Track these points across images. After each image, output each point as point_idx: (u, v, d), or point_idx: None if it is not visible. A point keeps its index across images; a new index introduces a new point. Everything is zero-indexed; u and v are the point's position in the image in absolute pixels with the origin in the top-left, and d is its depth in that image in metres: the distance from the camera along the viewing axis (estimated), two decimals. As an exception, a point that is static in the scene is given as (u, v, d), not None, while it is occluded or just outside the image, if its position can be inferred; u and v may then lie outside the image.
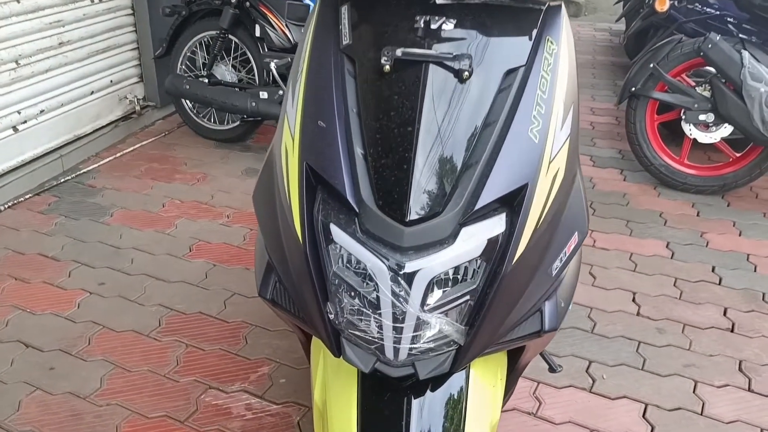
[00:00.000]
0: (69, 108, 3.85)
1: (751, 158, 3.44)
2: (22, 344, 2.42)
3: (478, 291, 1.12)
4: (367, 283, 1.10)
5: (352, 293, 1.12)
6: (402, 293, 1.07)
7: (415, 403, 1.19)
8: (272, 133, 4.01)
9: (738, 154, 3.50)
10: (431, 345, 1.13)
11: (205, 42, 4.07)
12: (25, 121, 3.57)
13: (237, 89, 3.89)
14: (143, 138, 4.27)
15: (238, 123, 4.07)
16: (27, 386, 2.22)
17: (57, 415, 2.11)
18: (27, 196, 3.51)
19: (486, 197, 1.10)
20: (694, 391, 2.24)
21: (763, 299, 2.73)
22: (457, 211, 1.09)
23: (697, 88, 3.43)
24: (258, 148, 4.15)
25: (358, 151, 1.13)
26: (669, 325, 2.57)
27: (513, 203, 1.12)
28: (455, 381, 1.21)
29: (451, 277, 1.11)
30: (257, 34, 3.80)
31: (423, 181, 1.09)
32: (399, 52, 1.14)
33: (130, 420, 2.09)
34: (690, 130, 3.49)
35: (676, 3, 3.55)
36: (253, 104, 3.72)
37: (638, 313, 2.64)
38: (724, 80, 3.28)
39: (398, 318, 1.09)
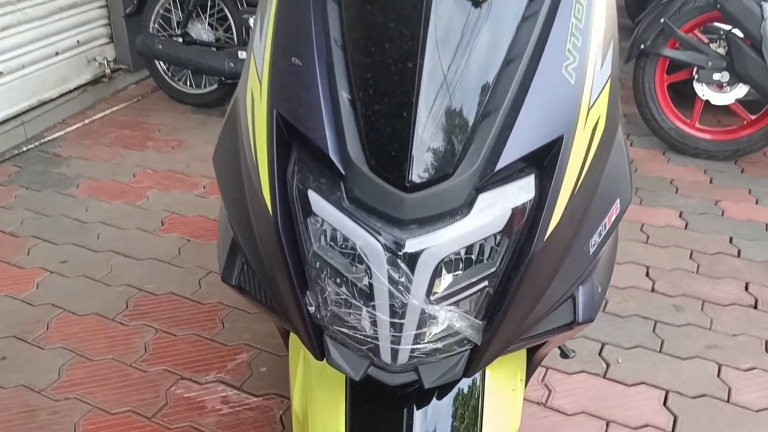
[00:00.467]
0: (31, 70, 3.56)
1: (768, 121, 3.21)
2: (-28, 331, 2.18)
3: (499, 276, 0.88)
4: (357, 267, 0.86)
5: (338, 279, 0.87)
6: (402, 279, 0.83)
7: (418, 415, 0.95)
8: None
9: (753, 117, 3.27)
10: (439, 345, 0.89)
11: (178, -2, 3.78)
12: (-19, 85, 3.29)
13: (214, 49, 3.65)
14: (114, 103, 4.01)
15: (215, 86, 3.81)
16: (-25, 379, 1.98)
17: (7, 411, 1.87)
18: (-15, 167, 3.25)
19: (509, 154, 0.85)
20: (718, 376, 2.03)
21: (786, 272, 2.52)
22: (472, 172, 0.84)
23: (711, 45, 3.18)
24: (238, 114, 3.88)
25: (344, 95, 0.87)
26: (687, 302, 2.35)
27: (543, 162, 0.88)
28: (467, 387, 0.98)
29: (463, 258, 0.87)
30: (235, -12, 3.52)
31: (428, 133, 0.83)
32: None
33: (91, 416, 1.86)
34: (702, 91, 3.25)
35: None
36: (232, 65, 3.46)
37: (653, 290, 2.42)
38: (741, 35, 3.03)
39: (397, 311, 0.85)
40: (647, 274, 2.50)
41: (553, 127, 0.87)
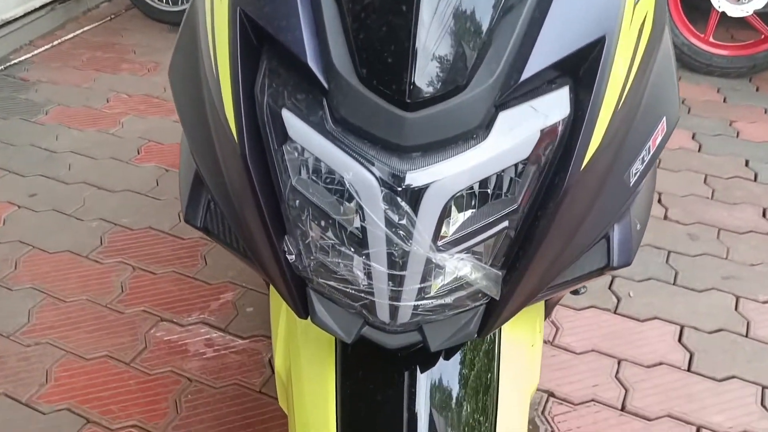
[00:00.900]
0: (-9, -13, 3.28)
1: (787, 34, 2.99)
2: (-66, 271, 2.02)
3: (522, 214, 0.71)
4: (346, 206, 0.68)
5: (323, 222, 0.70)
6: (403, 222, 0.66)
7: (422, 380, 0.80)
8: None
9: (771, 30, 3.04)
10: (448, 300, 0.72)
11: None
12: (-64, 3, 3.02)
13: (190, -39, 3.32)
14: (86, 23, 3.75)
15: (193, 3, 3.52)
16: (-63, 323, 1.84)
17: (-27, 358, 1.73)
18: (-54, 93, 3.02)
19: (538, 60, 0.66)
20: (735, 309, 1.91)
21: (806, 197, 2.36)
22: (490, 84, 0.66)
23: (730, -50, 2.93)
24: (219, 34, 3.62)
25: (326, -14, 0.67)
26: (702, 230, 2.21)
27: (579, 71, 0.69)
28: (480, 345, 0.82)
29: (477, 193, 0.69)
30: None
31: (434, 34, 0.64)
32: None
33: (64, 362, 1.72)
34: (718, 2, 3.02)
35: None
36: (209, -21, 3.17)
37: (666, 217, 2.26)
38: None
39: (397, 261, 0.68)
40: (659, 201, 2.34)
41: (593, 25, 0.68)
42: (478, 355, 0.83)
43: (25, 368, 1.71)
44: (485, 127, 0.66)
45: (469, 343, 0.84)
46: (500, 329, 0.86)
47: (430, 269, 0.70)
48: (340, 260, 0.71)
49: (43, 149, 2.63)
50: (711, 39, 3.12)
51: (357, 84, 0.65)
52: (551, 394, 1.66)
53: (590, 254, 0.82)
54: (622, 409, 1.62)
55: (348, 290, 0.72)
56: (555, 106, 0.68)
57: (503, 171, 0.68)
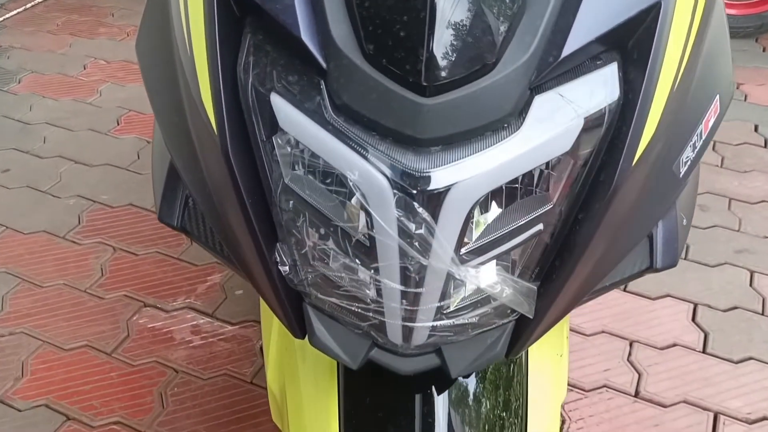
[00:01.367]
0: (-44, -54, 3.09)
1: (798, -9, 2.86)
2: None
3: (561, 215, 0.59)
4: (351, 210, 0.57)
5: (322, 229, 0.58)
6: (421, 231, 0.55)
7: (440, 403, 0.69)
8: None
9: (781, -13, 2.91)
10: (472, 319, 0.61)
11: None
12: None
13: None
14: (59, -16, 3.54)
15: (173, -38, 3.33)
16: None
17: (-57, 350, 1.62)
18: None
19: (582, 32, 0.55)
20: (750, 285, 1.82)
21: (820, 164, 2.27)
22: (525, 62, 0.54)
23: None
24: (201, -6, 3.44)
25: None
26: (712, 200, 2.10)
27: (627, 44, 0.57)
28: (506, 361, 0.72)
29: (504, 190, 0.57)
30: None
31: (455, 2, 0.52)
32: None
33: (41, 354, 1.61)
34: (726, -43, 2.87)
35: None
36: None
37: (674, 187, 2.15)
38: None
39: (412, 276, 0.57)
40: (667, 170, 2.23)
41: None
42: (503, 370, 0.73)
43: (-1, 360, 1.60)
44: (519, 113, 0.55)
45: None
46: (526, 341, 0.75)
47: (451, 285, 0.58)
48: (343, 274, 0.60)
49: (16, 121, 2.49)
50: (717, -3, 2.99)
51: (362, 63, 0.53)
52: (560, 381, 1.57)
53: (630, 255, 0.71)
54: (636, 395, 1.54)
55: (353, 308, 0.61)
56: (601, 87, 0.56)
57: (545, 165, 0.56)
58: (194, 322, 1.69)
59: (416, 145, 0.53)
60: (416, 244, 0.55)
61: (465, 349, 0.64)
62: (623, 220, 0.62)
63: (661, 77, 0.57)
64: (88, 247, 1.92)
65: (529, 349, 0.75)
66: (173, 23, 0.65)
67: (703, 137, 0.68)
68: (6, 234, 1.97)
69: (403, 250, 0.55)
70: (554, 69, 0.55)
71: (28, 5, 3.33)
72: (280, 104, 0.55)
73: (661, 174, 0.64)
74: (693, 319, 1.72)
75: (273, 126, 0.57)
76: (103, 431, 1.45)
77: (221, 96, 0.57)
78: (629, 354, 1.63)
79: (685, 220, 0.75)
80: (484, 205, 0.58)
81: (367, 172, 0.53)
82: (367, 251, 0.57)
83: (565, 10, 0.54)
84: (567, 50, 0.54)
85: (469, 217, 0.55)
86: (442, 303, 0.59)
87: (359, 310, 0.61)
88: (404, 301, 0.58)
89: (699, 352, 1.64)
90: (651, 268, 0.72)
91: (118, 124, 2.46)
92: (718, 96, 0.70)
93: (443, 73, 0.52)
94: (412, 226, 0.54)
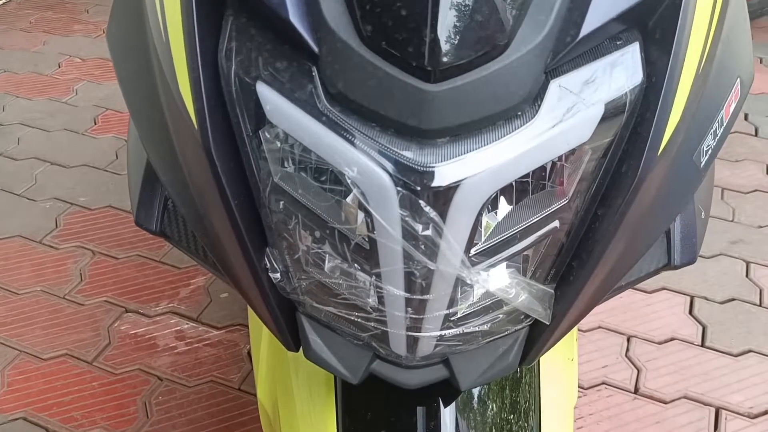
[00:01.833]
0: None
1: (784, -23, 2.83)
2: None
3: (578, 211, 0.54)
4: (348, 210, 0.51)
5: (317, 232, 0.53)
6: (428, 232, 0.49)
7: (446, 415, 0.64)
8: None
9: (767, -27, 2.88)
10: (484, 326, 0.56)
11: None
12: None
13: None
14: (32, -19, 3.45)
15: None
16: None
17: None
18: None
19: (602, 8, 0.50)
20: (746, 275, 1.79)
21: (811, 152, 2.25)
22: (540, 42, 0.49)
23: None
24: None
25: None
26: (705, 190, 2.07)
27: (648, 22, 0.52)
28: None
29: (515, 184, 0.52)
30: None
31: None
32: None
33: (18, 364, 1.55)
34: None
35: None
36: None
37: (667, 178, 2.12)
38: None
39: (417, 282, 0.52)
40: (659, 161, 2.20)
41: None
42: (515, 375, 0.68)
43: (-27, 372, 1.53)
44: (533, 100, 0.49)
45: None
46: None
47: (460, 290, 0.53)
48: (340, 280, 0.54)
49: (-11, 122, 2.41)
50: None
51: (358, 46, 0.48)
52: (558, 379, 1.52)
53: (647, 252, 0.66)
54: (636, 391, 1.50)
55: (352, 317, 0.56)
56: (623, 70, 0.51)
57: (561, 158, 0.51)
58: (178, 328, 1.63)
59: (421, 136, 0.48)
60: (422, 246, 0.50)
61: (475, 359, 0.59)
62: (645, 215, 0.57)
63: (687, 60, 0.53)
64: (65, 252, 1.85)
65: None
66: (146, 7, 0.59)
67: (725, 123, 0.64)
68: (-21, 239, 1.89)
69: (408, 253, 0.50)
70: (571, 50, 0.49)
71: (0, 2, 3.24)
72: (267, 94, 0.50)
73: (682, 164, 0.59)
74: (690, 312, 1.69)
75: (260, 118, 0.51)
76: (84, 444, 1.39)
77: (201, 86, 0.51)
78: (627, 349, 1.59)
79: (703, 213, 0.70)
80: (493, 202, 0.53)
81: (367, 168, 0.48)
82: (367, 255, 0.52)
83: None
84: (586, 29, 0.49)
85: (480, 216, 0.50)
86: (450, 310, 0.54)
87: (359, 320, 0.55)
88: (409, 309, 0.53)
89: (698, 345, 1.60)
90: (669, 265, 0.68)
91: (95, 124, 2.39)
92: (738, 79, 0.65)
93: (450, 57, 0.46)
94: (418, 227, 0.49)
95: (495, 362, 0.59)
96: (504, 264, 0.54)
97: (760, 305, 1.71)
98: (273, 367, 0.73)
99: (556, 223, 0.54)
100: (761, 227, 1.95)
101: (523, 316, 0.57)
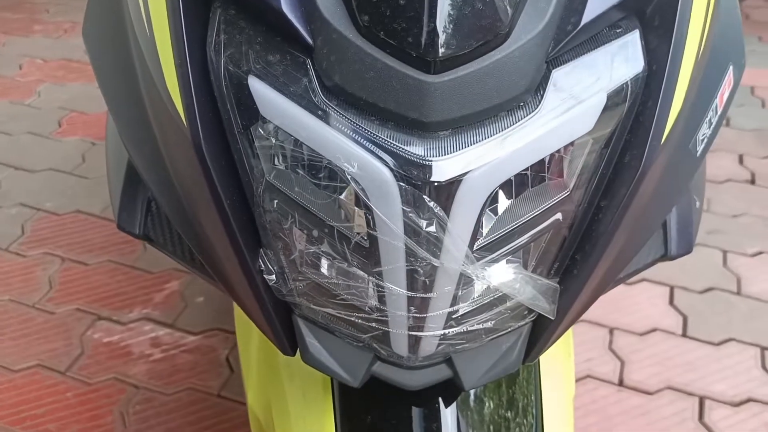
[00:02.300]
0: None
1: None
2: None
3: (581, 203, 0.53)
4: (347, 208, 0.49)
5: (314, 230, 0.51)
6: (431, 228, 0.47)
7: (447, 416, 0.62)
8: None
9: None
10: (488, 323, 0.54)
11: None
12: None
13: None
14: (-11, -20, 3.35)
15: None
16: None
17: None
18: None
19: (600, 0, 0.48)
20: (724, 265, 1.81)
21: (781, 141, 2.28)
22: (541, 31, 0.47)
23: None
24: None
25: None
26: (679, 181, 2.08)
27: (646, 9, 0.51)
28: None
29: (514, 179, 0.50)
30: None
31: None
32: None
33: (-13, 377, 1.48)
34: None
35: None
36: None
37: (641, 169, 2.14)
38: None
39: (420, 280, 0.50)
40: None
41: None
42: (510, 375, 0.66)
43: (-61, 387, 1.47)
44: (535, 90, 0.48)
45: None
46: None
47: (465, 287, 0.51)
48: (339, 281, 0.52)
49: (-52, 126, 2.33)
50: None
51: (355, 37, 0.45)
52: (543, 374, 1.52)
53: (647, 244, 0.65)
54: (620, 383, 1.50)
55: (351, 319, 0.53)
56: (623, 58, 0.50)
57: (564, 149, 0.49)
58: (153, 334, 1.58)
59: (422, 129, 0.46)
60: (425, 242, 0.48)
61: (478, 358, 0.57)
62: (647, 205, 0.56)
63: (687, 47, 0.51)
64: (33, 259, 1.79)
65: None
66: (126, 2, 0.56)
67: (719, 111, 0.63)
68: (-58, 249, 1.82)
69: (411, 250, 0.48)
70: (573, 39, 0.48)
71: (-44, 4, 3.15)
72: (259, 88, 0.47)
73: (680, 153, 0.58)
74: (671, 303, 1.70)
75: (252, 114, 0.48)
76: (60, 458, 1.34)
77: (190, 82, 0.48)
78: (610, 342, 1.59)
79: (698, 203, 0.69)
80: (495, 196, 0.51)
81: (367, 163, 0.46)
82: (366, 253, 0.50)
83: None
84: (587, 16, 0.48)
85: (483, 209, 0.48)
86: (453, 308, 0.52)
87: (358, 321, 0.53)
88: (411, 307, 0.51)
89: (679, 335, 1.61)
90: (666, 256, 0.67)
91: (59, 126, 2.32)
92: (731, 66, 0.64)
93: (450, 47, 0.44)
94: (421, 223, 0.47)
95: (498, 360, 0.57)
96: (505, 257, 0.52)
97: (738, 293, 1.72)
98: (264, 371, 0.70)
99: (558, 216, 0.53)
100: (736, 216, 1.97)
101: (526, 312, 0.56)
